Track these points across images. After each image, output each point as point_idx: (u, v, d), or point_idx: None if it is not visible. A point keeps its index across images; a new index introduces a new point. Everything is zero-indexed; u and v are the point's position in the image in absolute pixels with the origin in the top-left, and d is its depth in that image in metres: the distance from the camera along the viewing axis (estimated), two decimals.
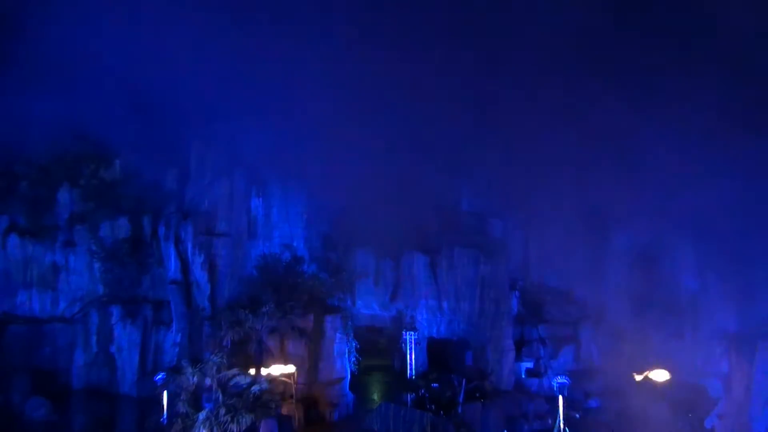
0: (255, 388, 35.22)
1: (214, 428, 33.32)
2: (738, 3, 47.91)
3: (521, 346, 49.15)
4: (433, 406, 41.51)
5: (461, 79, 49.33)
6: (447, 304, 48.21)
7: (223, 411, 33.81)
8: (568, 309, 50.06)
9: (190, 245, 43.66)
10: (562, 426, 38.72)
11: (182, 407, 34.44)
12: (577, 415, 42.97)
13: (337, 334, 44.08)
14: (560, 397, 38.94)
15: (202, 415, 33.66)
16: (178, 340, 42.48)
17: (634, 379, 43.62)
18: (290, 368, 39.93)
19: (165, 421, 35.87)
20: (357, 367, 45.40)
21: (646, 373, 42.59)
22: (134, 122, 44.31)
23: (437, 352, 47.97)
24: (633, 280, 48.42)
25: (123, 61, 43.96)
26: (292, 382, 40.10)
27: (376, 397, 45.48)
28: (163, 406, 36.23)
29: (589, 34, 48.64)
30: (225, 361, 36.02)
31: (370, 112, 46.38)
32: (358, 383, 45.47)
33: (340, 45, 47.26)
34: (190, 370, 35.31)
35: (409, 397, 43.44)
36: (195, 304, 43.61)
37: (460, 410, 42.09)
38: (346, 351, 44.58)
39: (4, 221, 43.74)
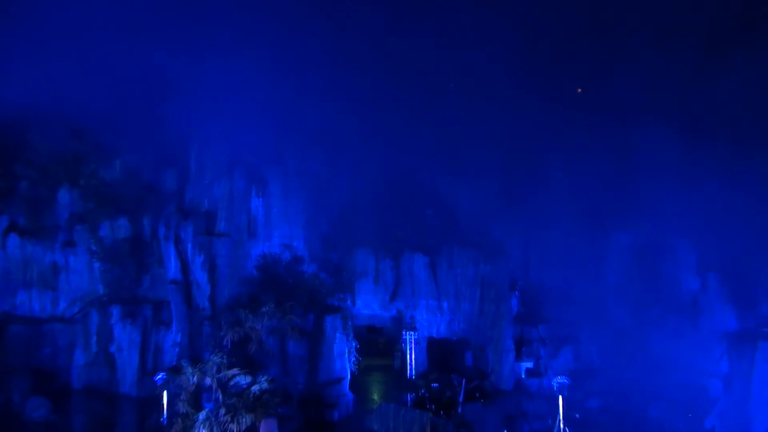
0: (255, 388, 35.19)
1: (214, 428, 33.28)
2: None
3: (521, 346, 49.09)
4: (433, 406, 41.48)
5: (461, 79, 49.42)
6: (447, 304, 48.22)
7: (223, 411, 33.79)
8: (568, 309, 49.98)
9: (190, 245, 43.68)
10: (562, 426, 38.68)
11: (182, 407, 34.39)
12: (577, 415, 42.91)
13: (337, 334, 44.05)
14: (560, 397, 38.89)
15: (202, 415, 33.62)
16: (178, 340, 42.49)
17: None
18: None
19: (165, 421, 35.84)
20: (357, 367, 45.36)
21: None
22: (134, 122, 44.32)
23: (437, 352, 47.98)
24: (633, 279, 48.41)
25: (123, 60, 44.00)
26: None
27: (376, 397, 45.48)
28: (163, 406, 36.19)
29: (586, 31, 48.76)
30: (225, 361, 35.97)
31: (371, 113, 46.43)
32: (358, 383, 45.45)
33: (343, 45, 47.33)
34: (190, 370, 35.26)
35: (409, 397, 43.44)
36: (195, 304, 43.62)
37: (460, 410, 42.06)
38: (346, 351, 44.54)
39: (4, 221, 43.69)
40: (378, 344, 49.81)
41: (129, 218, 44.43)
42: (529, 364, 48.87)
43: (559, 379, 39.59)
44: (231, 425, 33.40)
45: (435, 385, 43.32)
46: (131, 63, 43.92)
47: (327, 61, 46.94)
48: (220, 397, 34.41)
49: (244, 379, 35.57)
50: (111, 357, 42.64)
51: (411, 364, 45.29)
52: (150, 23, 44.70)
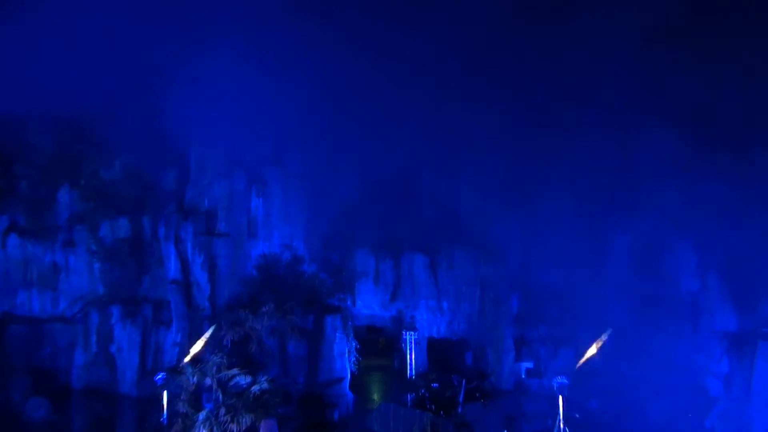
0: (255, 388, 35.20)
1: (214, 428, 33.29)
2: None
3: (521, 346, 49.08)
4: (433, 406, 41.48)
5: (461, 78, 49.38)
6: (447, 304, 48.21)
7: (223, 411, 33.79)
8: (568, 309, 49.93)
9: (190, 245, 43.72)
10: (562, 426, 38.66)
11: (182, 407, 34.41)
12: (577, 415, 42.88)
13: (337, 334, 44.06)
14: (560, 397, 38.88)
15: (202, 415, 33.62)
16: (178, 340, 42.54)
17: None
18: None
19: (165, 421, 35.85)
20: (357, 367, 45.37)
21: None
22: (134, 122, 44.32)
23: (437, 352, 47.97)
24: (633, 280, 48.36)
25: (123, 60, 44.02)
26: None
27: (376, 397, 45.51)
28: (163, 406, 36.18)
29: (587, 28, 48.74)
30: (225, 361, 35.99)
31: (371, 112, 46.42)
32: (358, 383, 45.47)
33: (342, 45, 47.30)
34: (190, 370, 35.29)
35: (409, 397, 43.44)
36: (195, 304, 43.67)
37: (460, 410, 42.07)
38: (346, 351, 44.55)
39: (4, 221, 43.75)
40: (378, 344, 49.81)
41: (129, 218, 44.51)
42: (529, 364, 48.86)
43: (559, 379, 39.56)
44: (231, 425, 33.40)
45: (435, 385, 43.32)
46: (131, 63, 43.93)
47: (326, 61, 46.91)
48: (220, 397, 34.42)
49: (244, 379, 35.57)
50: (111, 357, 42.68)
51: (411, 364, 45.28)
52: (150, 23, 44.69)
